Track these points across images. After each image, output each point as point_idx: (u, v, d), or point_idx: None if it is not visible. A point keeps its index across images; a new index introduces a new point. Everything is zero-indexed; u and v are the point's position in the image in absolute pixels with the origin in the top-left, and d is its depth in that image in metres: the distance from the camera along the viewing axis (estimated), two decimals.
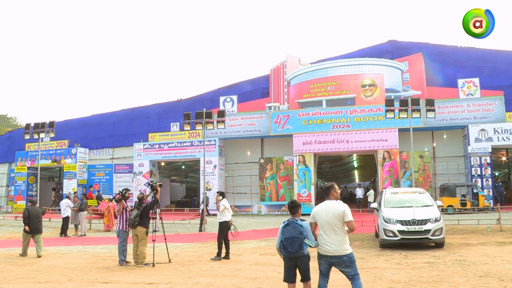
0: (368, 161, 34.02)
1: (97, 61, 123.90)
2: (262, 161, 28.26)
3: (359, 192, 28.61)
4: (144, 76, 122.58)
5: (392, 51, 30.61)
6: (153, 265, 10.47)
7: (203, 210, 20.29)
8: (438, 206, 13.05)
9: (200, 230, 19.16)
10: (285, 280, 6.14)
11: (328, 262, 5.77)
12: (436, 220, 11.98)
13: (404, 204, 13.17)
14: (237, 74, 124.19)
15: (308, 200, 25.88)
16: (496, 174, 38.90)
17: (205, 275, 9.28)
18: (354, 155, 32.94)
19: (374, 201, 20.50)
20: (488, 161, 24.89)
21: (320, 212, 5.89)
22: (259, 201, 28.25)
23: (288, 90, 30.59)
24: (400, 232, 11.92)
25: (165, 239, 11.20)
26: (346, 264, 5.69)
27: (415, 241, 12.11)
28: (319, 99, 28.66)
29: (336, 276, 7.35)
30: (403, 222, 11.97)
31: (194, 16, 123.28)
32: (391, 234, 12.04)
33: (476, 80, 26.47)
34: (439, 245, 12.27)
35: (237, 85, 33.46)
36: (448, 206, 22.96)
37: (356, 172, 52.51)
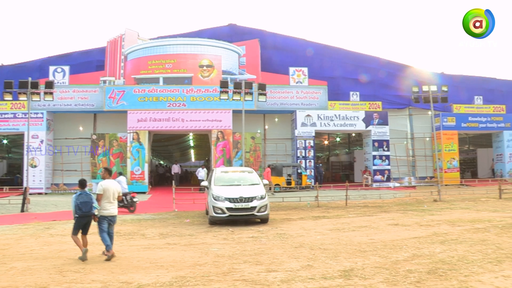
0: (204, 140, 34.61)
1: None
2: (94, 137, 26.87)
3: (202, 173, 28.75)
4: None
5: (231, 34, 31.36)
6: None
7: (26, 188, 18.51)
8: (265, 185, 13.91)
9: (22, 210, 17.56)
10: (75, 234, 8.47)
11: (108, 220, 8.60)
12: (262, 198, 12.78)
13: (233, 182, 13.77)
14: (70, 43, 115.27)
15: (142, 178, 25.47)
16: (320, 155, 42.91)
17: (23, 259, 8.53)
18: (190, 134, 33.26)
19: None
20: (312, 144, 27.31)
21: (109, 187, 8.65)
22: (90, 179, 26.84)
23: (125, 65, 29.42)
24: (228, 209, 12.45)
25: None
26: (115, 221, 8.83)
27: (242, 217, 12.76)
28: (156, 76, 28.12)
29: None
30: (231, 200, 12.51)
31: None
32: (219, 211, 12.50)
33: (305, 70, 28.60)
34: (264, 220, 13.12)
35: (69, 55, 31.04)
36: (276, 184, 24.62)
37: (192, 151, 53.13)
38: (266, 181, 14.64)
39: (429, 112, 27.60)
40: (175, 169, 30.19)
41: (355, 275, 6.74)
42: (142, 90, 26.68)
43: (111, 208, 8.63)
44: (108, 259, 8.14)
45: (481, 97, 32.06)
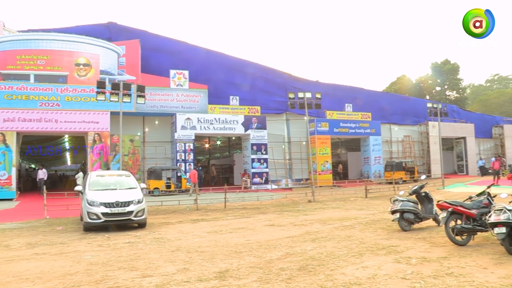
0: (80, 143, 32.92)
1: None
2: None
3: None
4: None
5: (111, 33, 30.29)
6: None
7: None
8: (142, 188, 13.68)
9: None
10: None
11: None
12: (139, 202, 12.57)
13: (109, 186, 13.35)
14: None
15: (8, 183, 23.44)
16: (201, 159, 43.01)
17: None
18: (66, 136, 31.44)
19: None
20: (192, 147, 27.33)
21: None
22: None
23: None
24: (104, 214, 12.05)
25: None
26: None
27: (118, 222, 12.43)
28: (27, 72, 26.12)
29: None
30: (107, 205, 12.13)
31: None
32: (94, 217, 12.05)
33: (186, 73, 28.54)
34: (141, 225, 12.92)
35: None
36: (155, 188, 24.28)
37: (68, 154, 50.31)
38: (143, 185, 14.40)
39: (305, 118, 29.08)
40: (40, 174, 27.36)
41: (230, 275, 6.92)
42: (9, 87, 24.53)
43: None
44: None
45: (351, 105, 34.68)
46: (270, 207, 18.79)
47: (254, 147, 28.96)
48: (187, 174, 26.49)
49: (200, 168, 32.31)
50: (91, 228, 12.39)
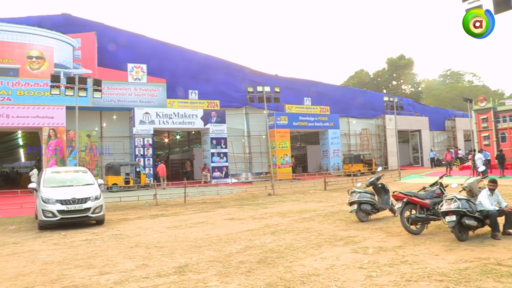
0: (34, 138, 31.94)
1: None
2: None
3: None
4: None
5: (65, 25, 29.26)
6: None
7: None
8: (100, 185, 13.45)
9: None
10: None
11: None
12: (97, 198, 12.36)
13: (65, 183, 13.05)
14: None
15: None
16: (160, 153, 42.57)
17: None
18: (19, 131, 30.40)
19: None
20: (150, 142, 26.98)
21: None
22: None
23: None
24: (60, 211, 11.78)
25: None
26: None
27: (75, 219, 12.17)
28: None
29: None
30: (63, 202, 11.86)
31: None
32: (50, 215, 11.76)
33: (144, 66, 28.10)
34: (99, 222, 12.73)
35: None
36: (113, 184, 23.86)
37: (22, 151, 48.72)
38: (101, 181, 14.14)
39: (264, 111, 29.13)
40: None
41: (190, 270, 6.90)
42: None
43: None
44: None
45: (309, 98, 35.05)
46: (230, 201, 18.82)
47: (214, 141, 28.87)
48: (146, 169, 26.18)
49: (159, 162, 32.03)
50: (46, 227, 12.10)
